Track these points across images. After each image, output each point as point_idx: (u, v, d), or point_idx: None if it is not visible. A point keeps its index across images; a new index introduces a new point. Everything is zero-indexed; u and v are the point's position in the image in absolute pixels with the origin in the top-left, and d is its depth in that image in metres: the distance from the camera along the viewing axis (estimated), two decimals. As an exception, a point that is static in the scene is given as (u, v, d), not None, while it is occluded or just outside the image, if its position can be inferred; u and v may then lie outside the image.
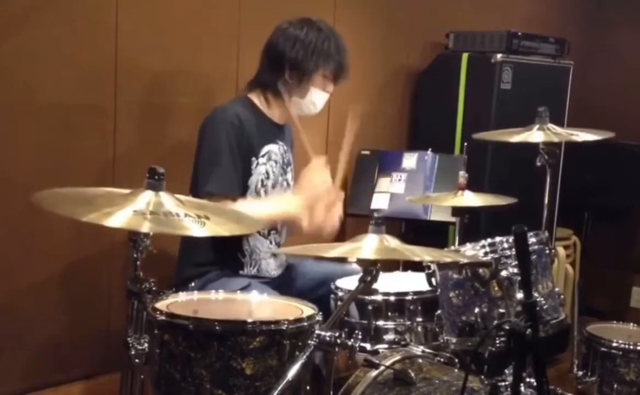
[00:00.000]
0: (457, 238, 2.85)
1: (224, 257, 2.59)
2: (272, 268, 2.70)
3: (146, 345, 1.77)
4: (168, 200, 1.75)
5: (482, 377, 1.92)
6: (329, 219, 2.63)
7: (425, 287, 2.30)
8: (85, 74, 2.75)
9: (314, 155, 2.64)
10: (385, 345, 2.31)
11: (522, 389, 1.67)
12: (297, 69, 2.60)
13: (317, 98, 2.66)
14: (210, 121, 2.55)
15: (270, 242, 2.69)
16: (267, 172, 2.63)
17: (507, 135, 2.78)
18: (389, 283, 2.48)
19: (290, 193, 2.70)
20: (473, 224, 2.88)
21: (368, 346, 2.32)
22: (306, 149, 2.66)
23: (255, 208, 2.49)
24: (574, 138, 2.73)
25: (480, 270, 2.09)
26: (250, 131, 2.57)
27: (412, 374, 1.95)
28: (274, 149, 2.66)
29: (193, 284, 2.49)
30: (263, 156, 2.62)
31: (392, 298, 2.36)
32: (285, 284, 2.70)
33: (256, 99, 2.67)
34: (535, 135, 2.66)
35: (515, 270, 2.06)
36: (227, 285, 2.40)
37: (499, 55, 3.66)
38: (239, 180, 2.55)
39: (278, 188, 2.68)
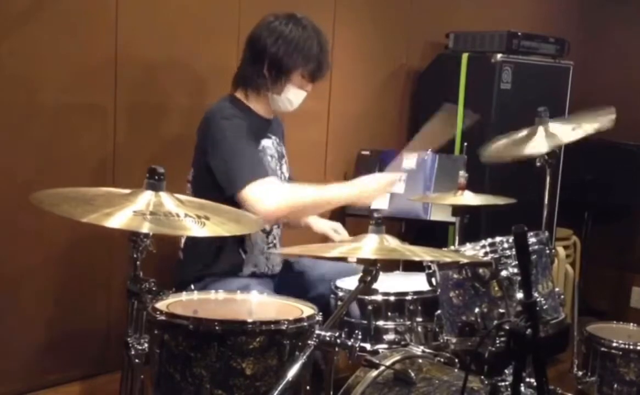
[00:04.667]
0: (457, 238, 2.85)
1: (224, 256, 2.58)
2: (272, 264, 2.69)
3: (146, 345, 1.77)
4: (168, 200, 1.75)
5: (482, 377, 1.92)
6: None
7: (425, 287, 2.30)
8: (84, 73, 2.75)
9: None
10: (385, 345, 2.31)
11: (522, 389, 1.67)
12: (276, 65, 2.56)
13: (293, 96, 2.62)
14: (216, 118, 2.52)
15: (274, 238, 2.69)
16: None
17: (511, 148, 2.73)
18: (389, 283, 2.48)
19: None
20: (473, 224, 2.87)
21: (368, 346, 2.31)
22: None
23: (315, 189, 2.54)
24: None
25: (480, 270, 2.09)
26: (247, 128, 2.56)
27: (412, 374, 1.95)
28: (267, 143, 2.66)
29: (192, 286, 2.50)
30: (260, 152, 2.61)
31: (392, 298, 2.36)
32: (284, 283, 2.70)
33: (242, 95, 2.65)
34: (539, 144, 2.61)
35: (515, 270, 2.05)
36: (227, 285, 2.40)
37: (499, 55, 3.66)
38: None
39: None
